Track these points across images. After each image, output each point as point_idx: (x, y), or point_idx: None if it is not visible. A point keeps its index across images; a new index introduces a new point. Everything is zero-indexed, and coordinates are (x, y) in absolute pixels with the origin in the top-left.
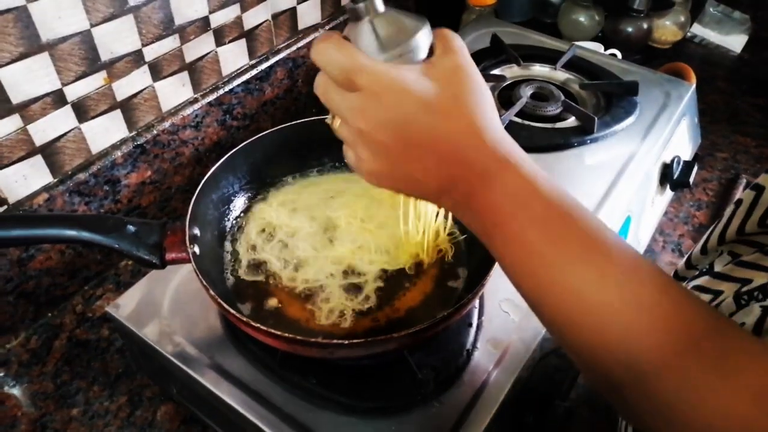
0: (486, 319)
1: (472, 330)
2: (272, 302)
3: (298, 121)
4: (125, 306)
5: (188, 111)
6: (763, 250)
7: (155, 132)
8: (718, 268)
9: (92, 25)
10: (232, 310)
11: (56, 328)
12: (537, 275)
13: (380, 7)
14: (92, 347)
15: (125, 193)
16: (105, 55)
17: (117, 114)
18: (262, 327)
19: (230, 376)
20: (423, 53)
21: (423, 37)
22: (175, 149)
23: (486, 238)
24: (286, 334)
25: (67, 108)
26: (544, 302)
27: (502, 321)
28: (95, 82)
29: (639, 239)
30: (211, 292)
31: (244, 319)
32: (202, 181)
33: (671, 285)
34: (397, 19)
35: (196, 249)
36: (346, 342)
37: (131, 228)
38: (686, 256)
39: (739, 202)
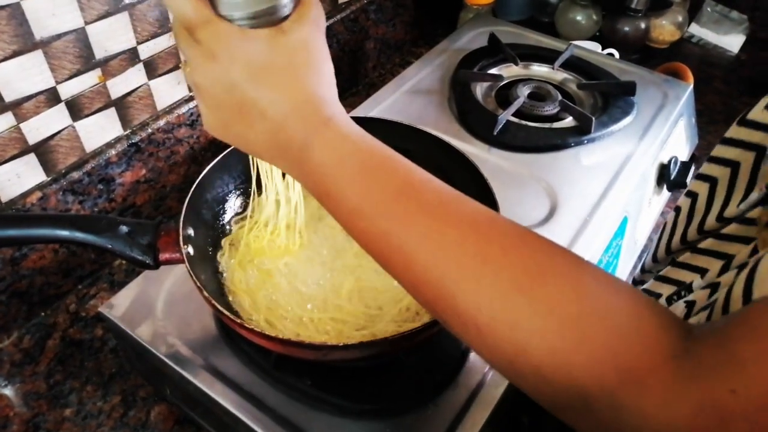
0: None
1: None
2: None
3: None
4: (119, 306)
5: (183, 109)
6: (692, 249)
7: (150, 130)
8: (663, 271)
9: (87, 23)
10: (225, 312)
11: (49, 327)
12: (362, 233)
13: None
14: (86, 347)
15: (120, 192)
16: (99, 53)
17: (111, 112)
18: (255, 329)
19: (224, 378)
20: (280, 16)
21: (283, 2)
22: (170, 148)
23: (319, 200)
24: (280, 336)
25: (61, 106)
26: (379, 260)
27: None
28: (90, 80)
29: (636, 239)
30: (205, 294)
31: (238, 321)
32: (197, 181)
33: (502, 230)
34: None
35: (190, 249)
36: (341, 344)
37: (124, 228)
38: (641, 263)
39: (678, 209)
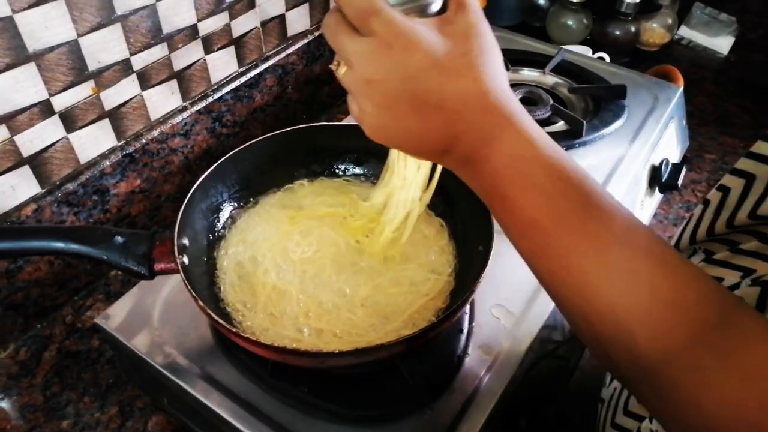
0: (476, 324)
1: (463, 336)
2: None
3: (288, 129)
4: (115, 317)
5: (177, 119)
6: (733, 249)
7: (144, 141)
8: None
9: (79, 35)
10: (221, 321)
11: (46, 339)
12: (535, 244)
13: None
14: (82, 358)
15: (114, 203)
16: (93, 65)
17: (105, 123)
18: (251, 338)
19: (221, 387)
20: (437, 6)
21: None
22: (165, 158)
23: (487, 200)
24: (276, 344)
25: (55, 118)
26: (543, 274)
27: (493, 326)
28: (83, 91)
29: None
30: (200, 303)
31: (234, 330)
32: (191, 191)
33: (678, 263)
34: None
35: (185, 259)
36: (336, 351)
37: (119, 239)
38: None
39: (707, 202)
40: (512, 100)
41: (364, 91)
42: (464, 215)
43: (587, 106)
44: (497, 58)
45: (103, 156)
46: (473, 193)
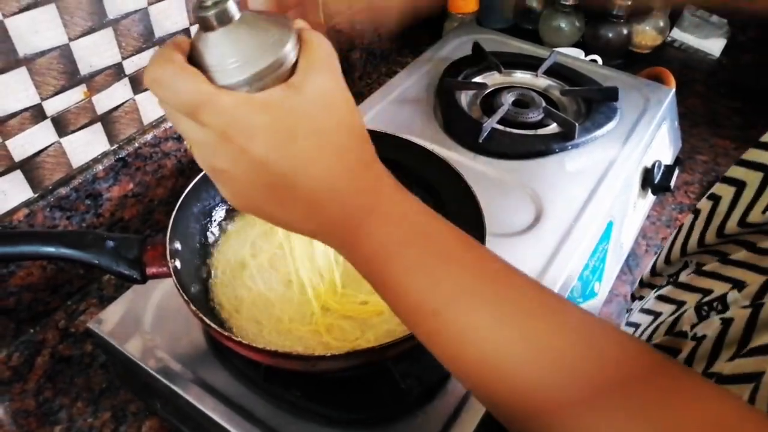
0: None
1: None
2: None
3: None
4: (107, 321)
5: (170, 123)
6: (722, 259)
7: (137, 145)
8: (682, 277)
9: (71, 39)
10: (213, 325)
11: (38, 344)
12: (428, 329)
13: (235, 13)
14: (75, 363)
15: (107, 207)
16: (84, 69)
17: (98, 127)
18: (243, 341)
19: (214, 391)
20: (288, 66)
21: (287, 51)
22: (158, 161)
23: (380, 294)
24: (268, 348)
25: (47, 122)
26: (445, 359)
27: None
28: (75, 95)
29: (622, 243)
30: (192, 307)
31: (226, 334)
32: (183, 195)
33: (577, 315)
34: (255, 28)
35: (177, 263)
36: (328, 354)
37: (111, 243)
38: (651, 264)
39: (697, 212)
40: (378, 172)
41: (214, 178)
42: (454, 217)
43: (579, 109)
44: (355, 125)
45: (96, 160)
46: (464, 193)
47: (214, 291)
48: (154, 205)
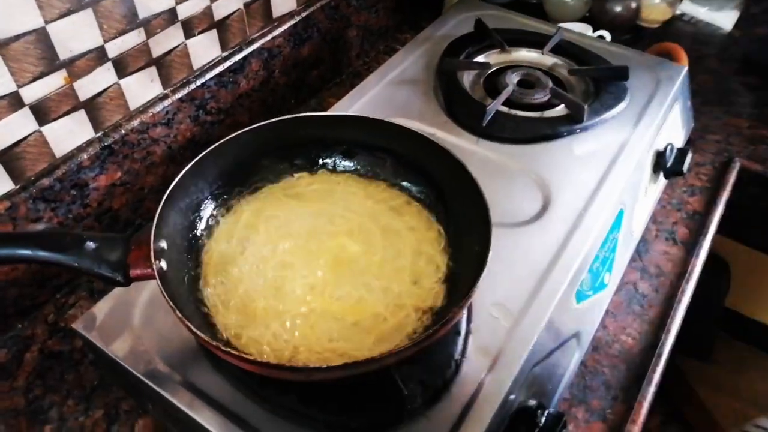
0: (474, 325)
1: (460, 338)
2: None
3: (273, 121)
4: (94, 320)
5: (158, 108)
6: None
7: (123, 131)
8: None
9: (47, 22)
10: (201, 334)
11: (27, 339)
12: None
13: None
14: (65, 359)
15: (94, 197)
16: (64, 54)
17: (81, 115)
18: (232, 352)
19: (206, 397)
20: None
21: None
22: (146, 148)
23: None
24: (259, 360)
25: (25, 110)
26: None
27: (492, 327)
28: (55, 82)
29: (632, 231)
30: (178, 314)
31: (214, 343)
32: (168, 190)
33: None
34: None
35: (163, 264)
36: (324, 366)
37: (91, 244)
38: None
39: None
40: None
41: None
42: (457, 212)
43: (588, 88)
44: None
45: (80, 149)
46: (467, 187)
47: (204, 288)
48: (144, 193)
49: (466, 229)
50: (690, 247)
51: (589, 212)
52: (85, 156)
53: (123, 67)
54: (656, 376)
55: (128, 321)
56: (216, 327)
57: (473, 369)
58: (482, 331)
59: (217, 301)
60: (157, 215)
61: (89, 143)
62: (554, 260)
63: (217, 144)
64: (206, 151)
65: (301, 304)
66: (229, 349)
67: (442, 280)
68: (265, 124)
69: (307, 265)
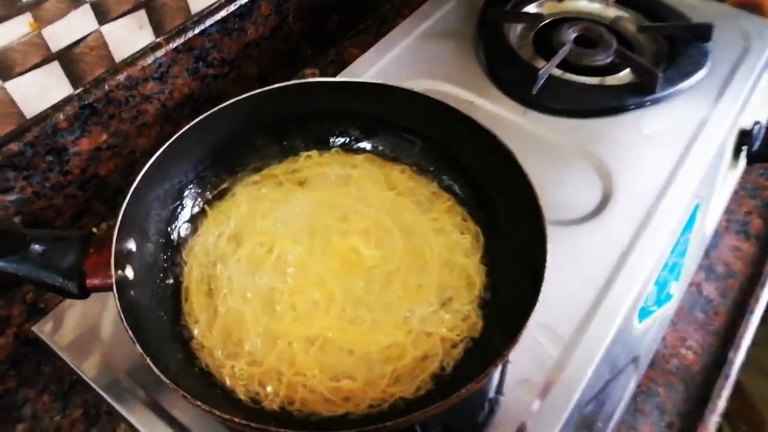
0: (514, 353)
1: (497, 371)
2: None
3: (276, 86)
4: (56, 325)
5: (149, 59)
6: None
7: (108, 87)
8: None
9: None
10: (168, 382)
11: (2, 321)
12: None
13: None
14: (43, 346)
15: (76, 163)
16: None
17: (55, 68)
18: (203, 406)
19: (169, 419)
20: None
21: None
22: (136, 107)
23: None
24: (235, 419)
25: None
26: None
27: (537, 356)
28: (18, 28)
29: (704, 230)
30: (140, 348)
31: (197, 403)
32: (140, 174)
33: None
34: None
35: (129, 271)
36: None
37: (37, 247)
38: None
39: None
40: None
41: None
42: (501, 212)
43: (660, 50)
44: None
45: (56, 108)
46: (515, 182)
47: (186, 297)
48: (135, 157)
49: (511, 234)
50: (765, 243)
51: (661, 208)
52: (62, 116)
53: (104, 11)
54: (721, 403)
55: (96, 331)
56: (195, 353)
57: (511, 411)
58: (523, 362)
59: (201, 312)
60: (123, 206)
61: (66, 101)
62: (616, 270)
63: (202, 117)
64: (191, 124)
65: (300, 327)
66: (199, 403)
67: (478, 303)
68: (263, 91)
69: (310, 273)
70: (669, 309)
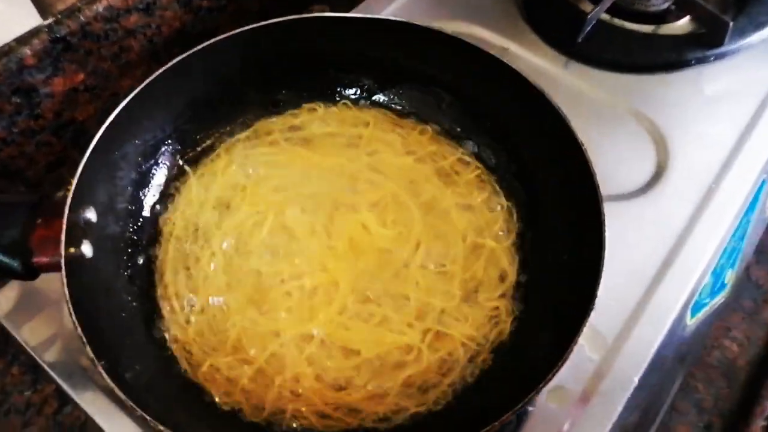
0: None
1: None
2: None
3: (272, 21)
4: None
5: None
6: None
7: (84, 19)
8: None
9: None
10: (126, 398)
11: None
12: None
13: None
14: None
15: (48, 105)
16: None
17: None
18: None
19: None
20: None
21: None
22: (118, 42)
23: None
24: None
25: None
26: None
27: (576, 360)
28: None
29: (765, 209)
30: (90, 352)
31: (139, 412)
32: (104, 125)
33: None
34: None
35: (87, 247)
36: None
37: None
38: None
39: None
40: None
41: None
42: (540, 183)
43: None
44: None
45: (21, 41)
46: (565, 153)
47: (160, 281)
48: (118, 100)
49: (553, 214)
50: None
51: (723, 185)
52: (29, 51)
53: None
54: None
55: (55, 313)
56: (168, 350)
57: (542, 424)
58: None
59: (176, 307)
60: (81, 166)
61: (34, 33)
62: (670, 257)
63: (186, 54)
64: (169, 64)
65: (295, 321)
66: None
67: (509, 297)
68: (259, 26)
69: (309, 255)
70: (721, 299)
